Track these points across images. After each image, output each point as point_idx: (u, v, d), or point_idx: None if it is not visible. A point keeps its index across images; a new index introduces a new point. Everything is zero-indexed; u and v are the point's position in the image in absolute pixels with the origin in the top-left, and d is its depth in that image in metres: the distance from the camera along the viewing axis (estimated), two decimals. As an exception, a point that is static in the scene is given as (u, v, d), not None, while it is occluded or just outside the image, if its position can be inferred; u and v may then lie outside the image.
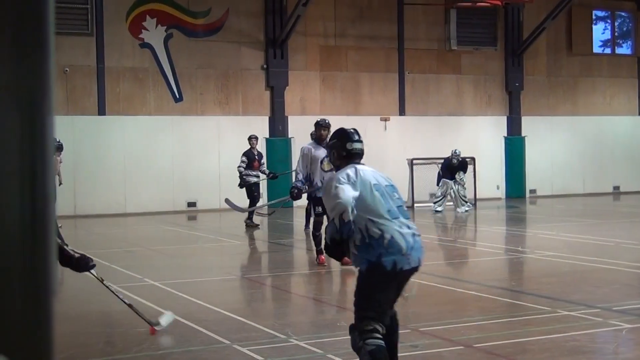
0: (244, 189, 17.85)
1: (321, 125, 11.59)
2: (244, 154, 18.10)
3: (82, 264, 6.39)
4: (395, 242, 5.13)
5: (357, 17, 24.63)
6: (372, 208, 5.20)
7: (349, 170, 5.35)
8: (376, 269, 5.12)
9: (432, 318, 7.86)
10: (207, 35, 22.91)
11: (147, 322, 7.24)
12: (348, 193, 5.14)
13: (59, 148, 16.23)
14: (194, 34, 22.78)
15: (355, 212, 5.12)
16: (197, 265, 12.38)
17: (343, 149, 5.51)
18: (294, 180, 11.88)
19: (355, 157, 5.52)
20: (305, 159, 11.50)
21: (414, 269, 5.26)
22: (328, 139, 11.00)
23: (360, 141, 5.58)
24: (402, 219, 5.27)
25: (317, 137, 11.64)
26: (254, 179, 17.87)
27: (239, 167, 17.93)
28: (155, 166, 22.18)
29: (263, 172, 18.05)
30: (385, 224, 5.17)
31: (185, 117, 22.65)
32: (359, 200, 5.18)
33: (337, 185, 5.22)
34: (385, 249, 5.11)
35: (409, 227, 5.26)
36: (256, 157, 18.08)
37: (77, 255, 6.37)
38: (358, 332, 5.17)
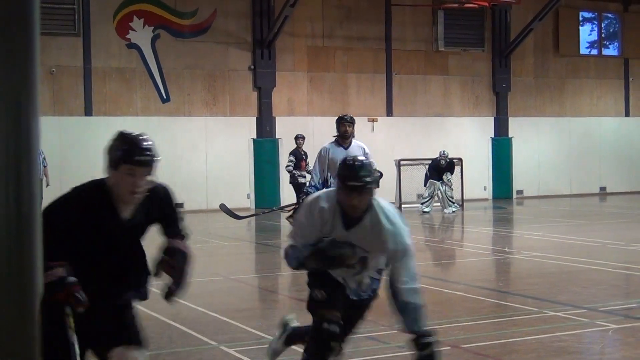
0: (293, 188, 18.30)
1: (345, 121, 10.16)
2: (292, 153, 18.55)
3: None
4: None
5: (345, 18, 24.63)
6: None
7: None
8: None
9: (420, 319, 7.86)
10: (194, 36, 22.87)
11: None
12: None
13: None
14: (181, 34, 22.73)
15: None
16: (185, 266, 12.33)
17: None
18: (307, 184, 10.71)
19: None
20: (322, 161, 10.12)
21: None
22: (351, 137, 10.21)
23: None
24: None
25: (341, 134, 10.17)
26: (303, 179, 17.92)
27: (287, 166, 18.43)
28: (142, 167, 22.08)
29: (308, 172, 17.78)
30: None
31: (172, 118, 22.59)
32: None
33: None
34: None
35: None
36: (303, 156, 18.44)
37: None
38: None
